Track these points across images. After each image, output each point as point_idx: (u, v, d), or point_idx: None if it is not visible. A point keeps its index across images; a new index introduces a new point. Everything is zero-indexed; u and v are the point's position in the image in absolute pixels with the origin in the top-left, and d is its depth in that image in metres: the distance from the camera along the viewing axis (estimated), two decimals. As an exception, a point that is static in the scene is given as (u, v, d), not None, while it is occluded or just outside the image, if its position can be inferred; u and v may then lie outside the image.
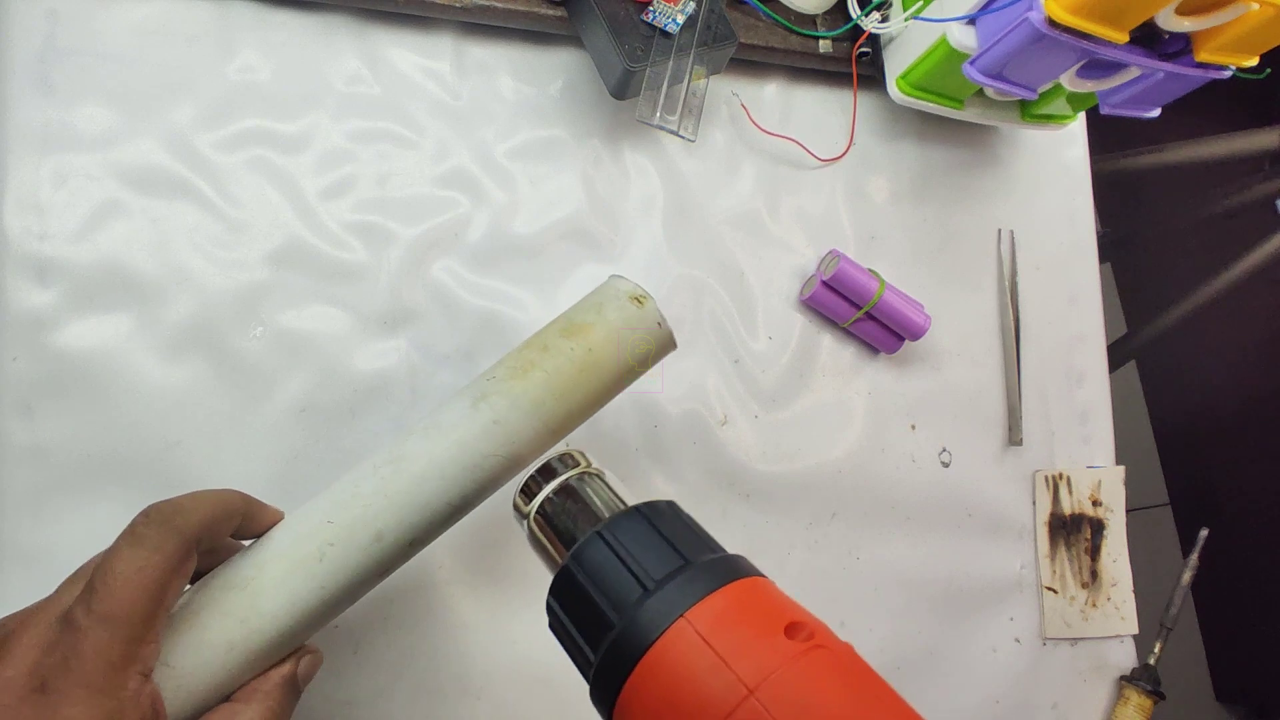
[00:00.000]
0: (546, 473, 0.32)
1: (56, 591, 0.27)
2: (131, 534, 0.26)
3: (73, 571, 0.29)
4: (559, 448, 0.34)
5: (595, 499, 0.30)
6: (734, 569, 0.26)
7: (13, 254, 0.38)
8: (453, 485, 0.31)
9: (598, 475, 0.32)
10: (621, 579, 0.26)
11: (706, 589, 0.25)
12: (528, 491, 0.32)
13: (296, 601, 0.29)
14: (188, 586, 0.29)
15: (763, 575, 0.27)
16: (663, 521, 0.28)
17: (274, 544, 0.30)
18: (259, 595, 0.29)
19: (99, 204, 0.40)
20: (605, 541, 0.27)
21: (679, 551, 0.26)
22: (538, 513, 0.31)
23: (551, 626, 0.28)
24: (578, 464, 0.32)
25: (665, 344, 0.36)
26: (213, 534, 0.28)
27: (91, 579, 0.25)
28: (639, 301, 0.35)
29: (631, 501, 0.30)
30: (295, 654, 0.30)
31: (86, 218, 0.40)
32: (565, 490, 0.31)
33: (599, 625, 0.26)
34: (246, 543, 0.31)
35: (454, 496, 0.31)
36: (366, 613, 0.41)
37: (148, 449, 0.39)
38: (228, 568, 0.30)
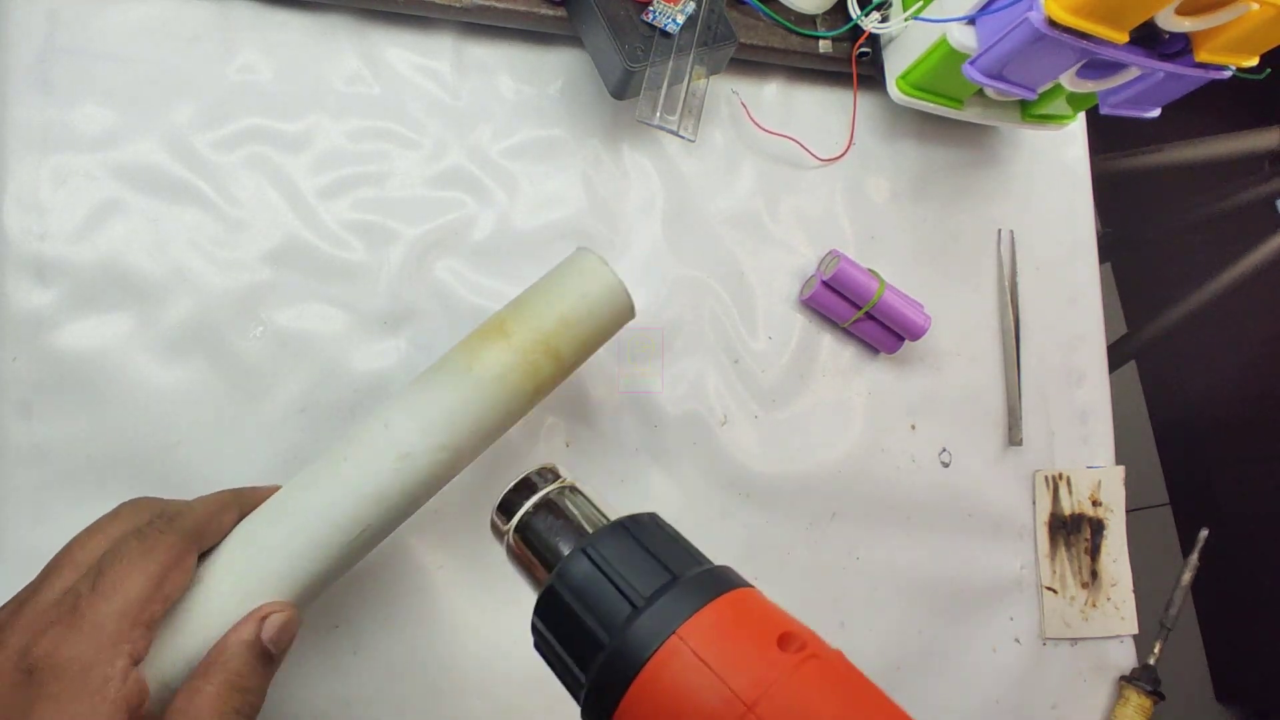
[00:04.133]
0: (524, 488, 0.31)
1: (42, 581, 0.28)
2: (138, 531, 0.28)
3: (47, 563, 0.29)
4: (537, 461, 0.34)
5: (576, 514, 0.30)
6: (722, 581, 0.26)
7: (13, 254, 0.38)
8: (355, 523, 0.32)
9: (577, 489, 0.31)
10: (609, 597, 0.26)
11: (697, 604, 0.24)
12: (505, 508, 0.31)
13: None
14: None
15: (750, 585, 0.27)
16: (647, 535, 0.27)
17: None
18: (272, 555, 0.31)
19: (99, 204, 0.40)
20: (590, 559, 0.27)
21: (665, 566, 0.26)
22: (517, 531, 0.30)
23: (538, 647, 0.28)
24: (557, 477, 0.31)
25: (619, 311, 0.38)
26: (211, 531, 0.31)
27: (99, 562, 0.27)
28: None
29: (613, 515, 0.30)
30: (254, 614, 0.29)
31: (86, 218, 0.40)
32: (545, 506, 0.30)
33: (588, 645, 0.25)
34: None
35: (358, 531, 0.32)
36: (366, 612, 0.41)
37: (148, 449, 0.39)
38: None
